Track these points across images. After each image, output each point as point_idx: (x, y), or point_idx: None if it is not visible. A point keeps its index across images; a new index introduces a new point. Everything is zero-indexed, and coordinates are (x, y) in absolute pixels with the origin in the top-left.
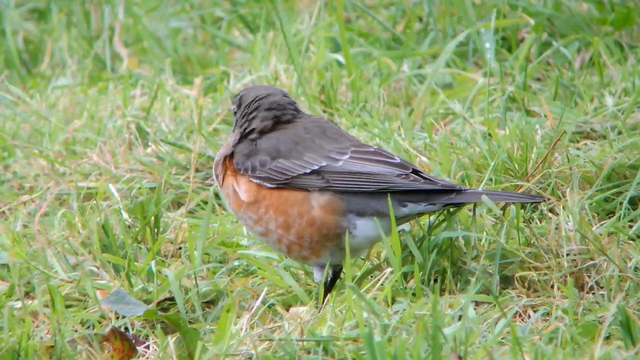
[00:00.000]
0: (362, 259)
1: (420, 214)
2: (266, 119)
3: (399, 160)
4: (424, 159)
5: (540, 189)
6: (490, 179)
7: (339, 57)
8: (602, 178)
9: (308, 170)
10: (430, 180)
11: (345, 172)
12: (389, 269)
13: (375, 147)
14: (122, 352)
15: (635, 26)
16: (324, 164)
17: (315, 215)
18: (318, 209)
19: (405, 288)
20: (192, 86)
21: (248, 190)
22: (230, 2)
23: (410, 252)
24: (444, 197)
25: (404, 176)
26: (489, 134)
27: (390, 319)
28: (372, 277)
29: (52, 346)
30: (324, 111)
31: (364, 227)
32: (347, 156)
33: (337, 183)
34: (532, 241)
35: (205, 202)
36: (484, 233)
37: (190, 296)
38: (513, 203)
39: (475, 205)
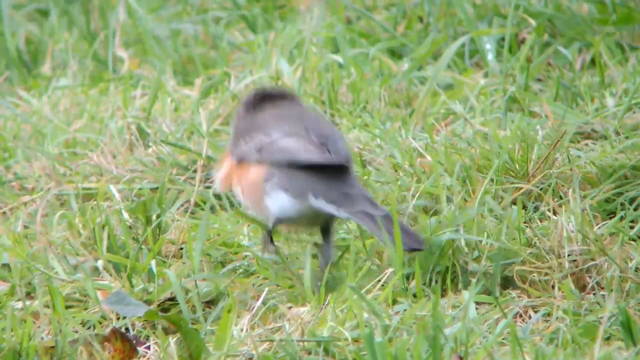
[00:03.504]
0: (364, 260)
1: None
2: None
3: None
4: (428, 158)
5: (541, 189)
6: (492, 180)
7: (339, 58)
8: (601, 178)
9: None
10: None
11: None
12: (390, 269)
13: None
14: (123, 353)
15: (636, 26)
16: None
17: None
18: None
19: (407, 289)
20: (193, 87)
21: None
22: (231, 1)
23: None
24: None
25: None
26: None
27: (391, 320)
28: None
29: (53, 346)
30: (325, 112)
31: None
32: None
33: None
34: (533, 242)
35: (206, 203)
36: (485, 233)
37: (191, 296)
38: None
39: (476, 206)
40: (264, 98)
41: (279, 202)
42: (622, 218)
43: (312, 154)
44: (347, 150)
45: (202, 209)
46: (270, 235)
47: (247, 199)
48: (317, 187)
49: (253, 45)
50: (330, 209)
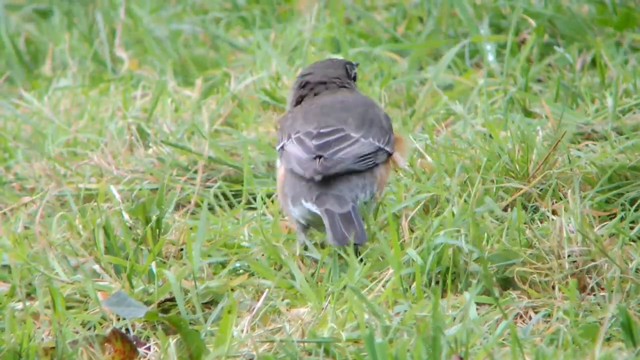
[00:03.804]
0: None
1: None
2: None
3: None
4: (429, 158)
5: (541, 190)
6: (492, 180)
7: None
8: (602, 178)
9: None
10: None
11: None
12: (391, 270)
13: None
14: (123, 354)
15: (636, 27)
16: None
17: None
18: None
19: (406, 290)
20: (194, 87)
21: None
22: (231, 2)
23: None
24: None
25: None
26: (490, 136)
27: (391, 321)
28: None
29: (54, 347)
30: None
31: None
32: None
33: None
34: (533, 242)
35: (208, 203)
36: (485, 234)
37: (191, 297)
38: None
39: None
40: (306, 87)
41: (290, 207)
42: (622, 219)
43: (300, 166)
44: (354, 154)
45: (211, 207)
46: (303, 232)
47: (279, 197)
48: (306, 191)
49: (253, 46)
50: (314, 208)
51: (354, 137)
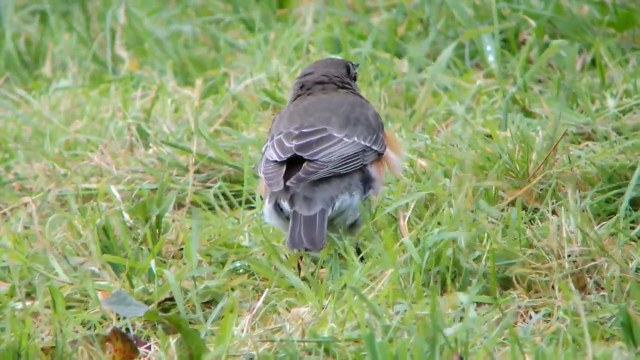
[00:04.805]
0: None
1: None
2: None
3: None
4: (423, 163)
5: (541, 190)
6: (494, 187)
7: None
8: (602, 178)
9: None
10: None
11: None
12: (391, 270)
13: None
14: (124, 353)
15: (637, 28)
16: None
17: None
18: None
19: (406, 289)
20: (194, 88)
21: None
22: (231, 3)
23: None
24: None
25: None
26: (490, 136)
27: (391, 320)
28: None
29: (54, 347)
30: None
31: None
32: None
33: None
34: (533, 242)
35: (208, 204)
36: (485, 234)
37: (191, 296)
38: None
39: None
40: (304, 87)
41: (265, 206)
42: (622, 218)
43: (266, 176)
44: (338, 155)
45: (204, 210)
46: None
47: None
48: (282, 192)
49: (252, 47)
50: (288, 208)
51: (336, 137)
